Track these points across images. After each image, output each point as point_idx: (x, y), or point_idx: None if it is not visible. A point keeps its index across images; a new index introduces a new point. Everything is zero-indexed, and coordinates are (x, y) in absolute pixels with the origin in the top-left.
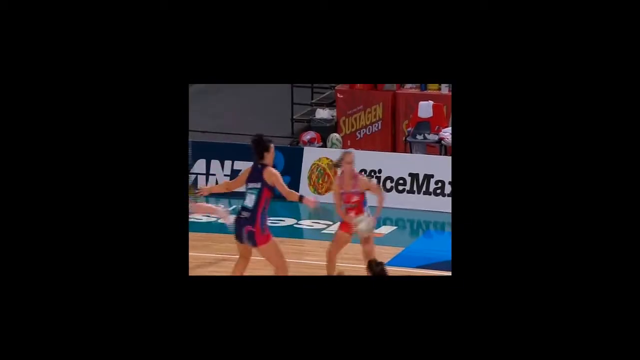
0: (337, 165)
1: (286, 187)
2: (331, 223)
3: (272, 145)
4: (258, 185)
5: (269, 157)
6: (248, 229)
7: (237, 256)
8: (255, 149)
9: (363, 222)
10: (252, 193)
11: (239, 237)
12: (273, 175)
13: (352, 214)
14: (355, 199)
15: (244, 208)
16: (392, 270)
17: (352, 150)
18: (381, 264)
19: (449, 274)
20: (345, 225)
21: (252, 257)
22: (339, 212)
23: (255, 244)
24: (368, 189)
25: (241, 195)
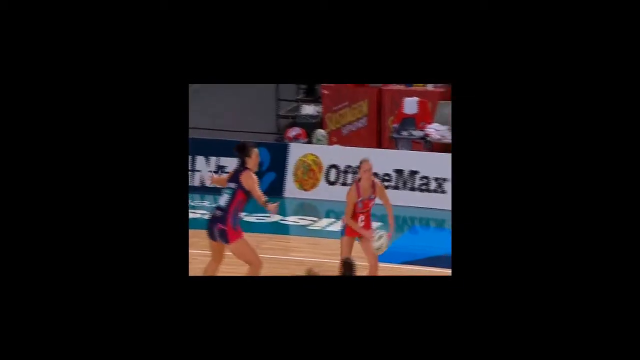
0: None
1: (259, 191)
2: (316, 219)
3: (254, 151)
4: (234, 186)
5: (251, 163)
6: (220, 227)
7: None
8: (238, 155)
9: (379, 241)
10: (227, 193)
11: (211, 235)
12: (250, 178)
13: (362, 217)
14: (372, 204)
15: (218, 207)
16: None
17: (368, 158)
18: (353, 267)
19: (434, 269)
20: (350, 230)
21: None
22: (347, 220)
23: (227, 241)
24: (380, 198)
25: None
